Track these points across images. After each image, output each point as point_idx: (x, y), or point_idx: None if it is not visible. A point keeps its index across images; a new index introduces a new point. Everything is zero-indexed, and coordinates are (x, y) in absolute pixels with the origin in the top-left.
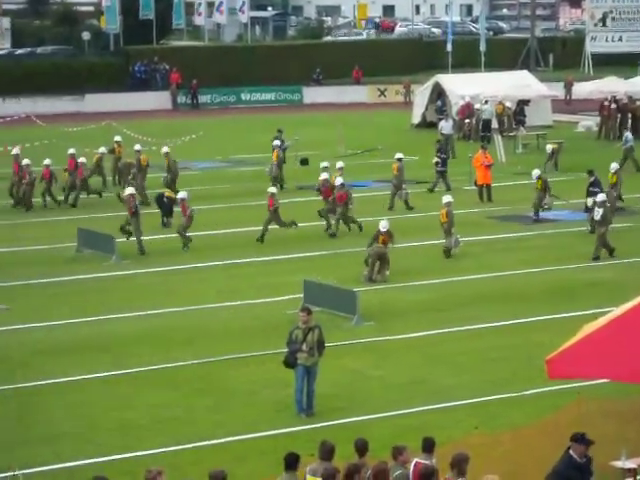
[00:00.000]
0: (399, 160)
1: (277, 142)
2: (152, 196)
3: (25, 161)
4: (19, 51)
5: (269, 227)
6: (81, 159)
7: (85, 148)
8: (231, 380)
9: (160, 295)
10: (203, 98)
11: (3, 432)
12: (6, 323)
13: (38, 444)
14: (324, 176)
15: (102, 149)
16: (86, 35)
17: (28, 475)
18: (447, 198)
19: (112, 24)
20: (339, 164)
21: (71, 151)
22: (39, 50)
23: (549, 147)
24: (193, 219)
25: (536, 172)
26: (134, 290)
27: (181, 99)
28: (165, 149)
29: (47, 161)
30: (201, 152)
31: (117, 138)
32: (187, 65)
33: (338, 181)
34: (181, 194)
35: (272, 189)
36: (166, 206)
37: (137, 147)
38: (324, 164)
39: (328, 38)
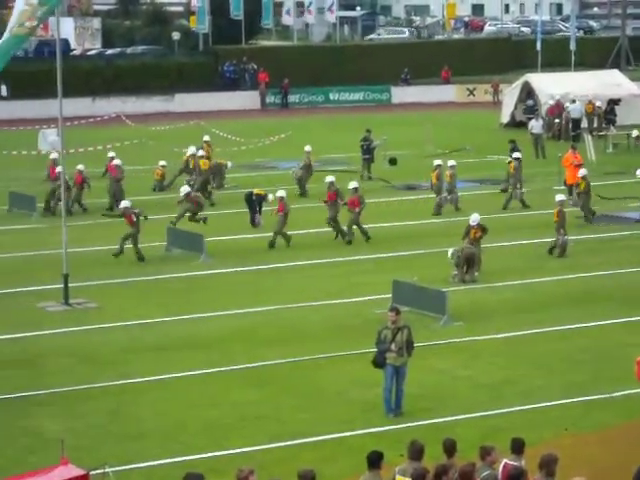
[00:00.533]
0: (517, 159)
1: (308, 147)
2: (225, 194)
3: (78, 166)
4: (109, 51)
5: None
6: (116, 161)
7: (174, 148)
8: (319, 379)
9: (248, 294)
10: (292, 98)
11: (94, 430)
12: (96, 321)
13: (127, 442)
14: (329, 179)
15: (192, 148)
16: (176, 35)
17: (118, 472)
18: (560, 197)
19: (202, 24)
20: (450, 162)
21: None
22: (129, 50)
23: None
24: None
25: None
26: (222, 289)
27: (270, 99)
28: (192, 150)
29: (80, 166)
30: (289, 152)
31: (206, 138)
32: (275, 65)
33: (352, 185)
34: (280, 192)
35: (281, 193)
36: (255, 204)
37: (200, 152)
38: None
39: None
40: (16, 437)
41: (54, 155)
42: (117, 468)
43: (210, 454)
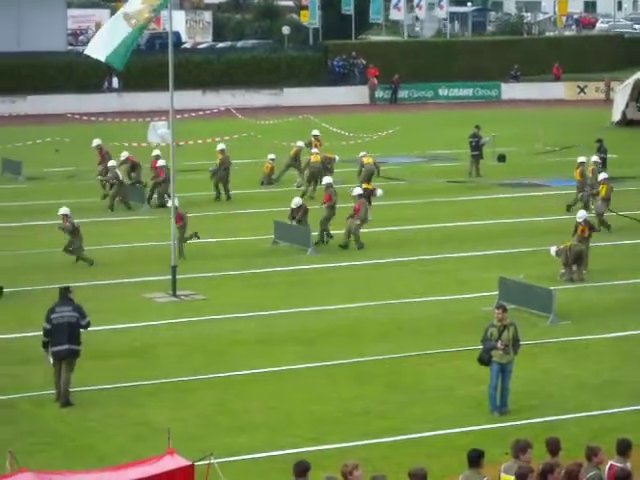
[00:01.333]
0: (594, 162)
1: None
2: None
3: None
4: (220, 45)
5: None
6: (161, 162)
7: (283, 142)
8: (425, 375)
9: (353, 289)
10: (401, 93)
11: (201, 420)
12: (203, 313)
13: (233, 433)
14: (327, 180)
15: (300, 143)
16: (286, 29)
17: (223, 464)
18: None
19: (312, 19)
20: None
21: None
22: (239, 44)
23: None
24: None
25: None
26: (329, 283)
27: (378, 94)
28: (221, 146)
29: (162, 162)
30: (398, 147)
31: (315, 132)
32: (385, 60)
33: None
34: (326, 179)
35: (328, 178)
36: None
37: (221, 145)
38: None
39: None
40: (124, 426)
41: (156, 152)
42: (223, 459)
43: (315, 448)
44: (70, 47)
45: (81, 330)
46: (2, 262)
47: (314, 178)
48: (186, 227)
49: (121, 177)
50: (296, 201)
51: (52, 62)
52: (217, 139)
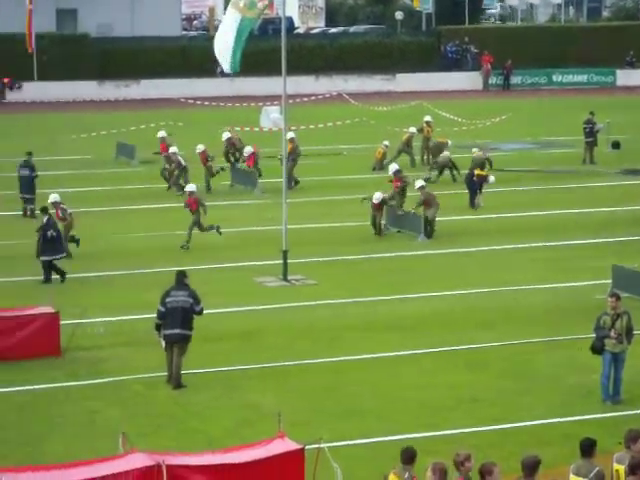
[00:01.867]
0: None
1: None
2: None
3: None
4: (332, 30)
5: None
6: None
7: (395, 127)
8: (536, 363)
9: (463, 276)
10: (514, 79)
11: (309, 405)
12: (313, 298)
13: (342, 418)
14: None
15: (412, 129)
16: (399, 15)
17: (333, 448)
18: None
19: (425, 4)
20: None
21: (161, 134)
22: (352, 29)
23: None
24: None
25: None
26: (438, 270)
27: (491, 80)
28: (290, 134)
29: (200, 147)
30: (510, 133)
31: (427, 118)
32: (498, 46)
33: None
34: (393, 166)
35: (394, 166)
36: (475, 186)
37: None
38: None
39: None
40: (234, 409)
41: (161, 133)
42: (332, 444)
43: (424, 434)
44: (184, 32)
45: (194, 315)
46: (125, 244)
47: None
48: (201, 214)
49: (184, 163)
50: (377, 196)
51: (166, 47)
52: (329, 124)
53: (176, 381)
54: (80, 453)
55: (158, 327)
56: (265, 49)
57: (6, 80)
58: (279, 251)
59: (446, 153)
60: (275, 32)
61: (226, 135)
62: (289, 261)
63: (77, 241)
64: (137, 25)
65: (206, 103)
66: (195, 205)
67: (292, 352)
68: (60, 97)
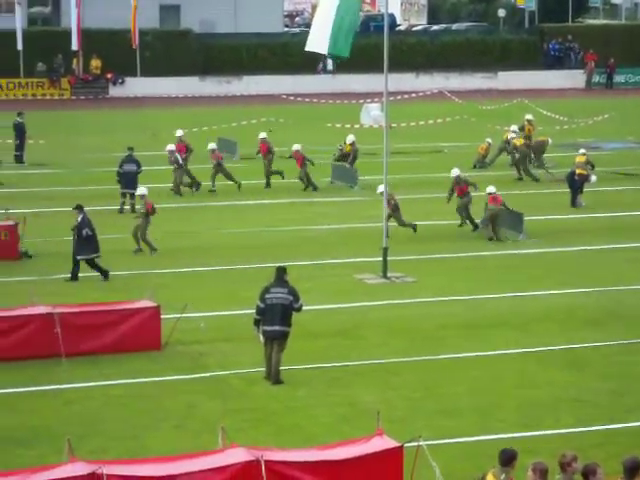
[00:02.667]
0: None
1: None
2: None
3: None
4: (434, 27)
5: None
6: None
7: (496, 125)
8: (639, 365)
9: (567, 274)
10: (617, 78)
11: (408, 402)
12: (413, 296)
13: (441, 416)
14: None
15: (513, 127)
16: (501, 12)
17: (431, 446)
18: None
19: (529, 1)
20: None
21: (262, 135)
22: (454, 26)
23: None
24: None
25: None
26: (540, 268)
27: (595, 78)
28: (351, 138)
29: (296, 146)
30: (612, 132)
31: (528, 116)
32: (601, 44)
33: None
34: (490, 188)
35: (456, 171)
36: (577, 185)
37: (351, 138)
38: None
39: None
40: (332, 406)
41: (262, 135)
42: (431, 442)
43: (524, 434)
44: (286, 28)
45: (293, 312)
46: (225, 239)
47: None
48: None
49: (181, 162)
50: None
51: (268, 43)
52: (430, 121)
53: (275, 377)
54: (179, 447)
55: (257, 323)
56: (366, 46)
57: (109, 75)
58: (379, 248)
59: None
60: (377, 29)
61: (350, 138)
62: (389, 258)
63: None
64: (240, 21)
65: (307, 100)
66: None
67: (391, 349)
68: (162, 93)
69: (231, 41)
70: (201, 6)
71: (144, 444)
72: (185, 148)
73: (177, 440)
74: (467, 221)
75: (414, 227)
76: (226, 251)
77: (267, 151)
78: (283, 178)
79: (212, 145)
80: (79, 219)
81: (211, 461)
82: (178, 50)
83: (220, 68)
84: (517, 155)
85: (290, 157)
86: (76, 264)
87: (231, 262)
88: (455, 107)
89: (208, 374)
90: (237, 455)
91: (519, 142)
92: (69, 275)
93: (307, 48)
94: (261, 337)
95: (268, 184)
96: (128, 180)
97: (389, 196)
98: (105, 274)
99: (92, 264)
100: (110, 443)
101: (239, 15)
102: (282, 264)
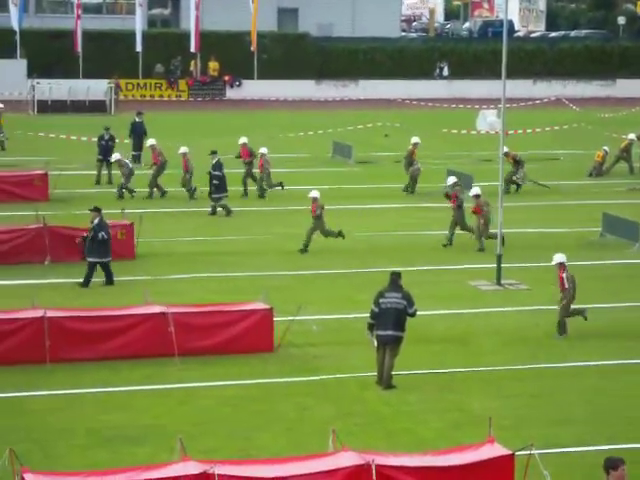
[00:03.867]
0: None
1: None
2: None
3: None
4: (552, 34)
5: None
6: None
7: (613, 133)
8: None
9: None
10: None
11: (519, 411)
12: (527, 303)
13: (552, 425)
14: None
15: (631, 135)
16: (621, 20)
17: (543, 455)
18: None
19: None
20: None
21: (243, 141)
22: (572, 33)
23: None
24: None
25: None
26: None
27: None
28: (415, 139)
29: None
30: None
31: None
32: None
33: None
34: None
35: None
36: None
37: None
38: None
39: None
40: (443, 411)
41: (243, 140)
42: (542, 451)
43: (636, 445)
44: (403, 33)
45: (407, 317)
46: (340, 242)
47: None
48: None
49: (131, 166)
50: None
51: (384, 48)
52: (547, 129)
53: (387, 382)
54: (289, 449)
55: (371, 327)
56: (483, 52)
57: (227, 78)
58: (493, 255)
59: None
60: (494, 35)
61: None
62: (504, 265)
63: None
64: (357, 25)
65: (422, 104)
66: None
67: (503, 357)
68: (278, 95)
69: (348, 45)
70: (319, 10)
71: (255, 445)
72: (249, 154)
73: (288, 442)
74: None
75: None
76: (343, 254)
77: (248, 156)
78: (283, 188)
79: (263, 149)
80: (95, 221)
81: (322, 464)
82: (295, 53)
83: (336, 72)
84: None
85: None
86: (91, 268)
87: (347, 265)
88: (572, 115)
89: (320, 377)
90: (348, 459)
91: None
92: (81, 280)
93: None
94: (374, 341)
95: (245, 192)
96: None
97: (484, 203)
98: (110, 280)
99: (104, 267)
100: (221, 443)
101: (357, 19)
102: (397, 269)
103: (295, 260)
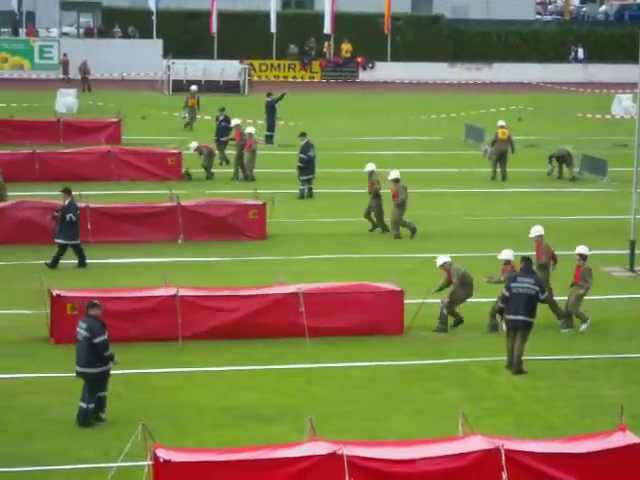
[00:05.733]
0: None
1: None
2: None
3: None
4: None
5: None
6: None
7: None
8: None
9: None
10: None
11: None
12: None
13: None
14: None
15: None
16: None
17: None
18: None
19: None
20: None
21: (236, 122)
22: None
23: None
24: None
25: None
26: None
27: None
28: (500, 122)
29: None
30: None
31: None
32: None
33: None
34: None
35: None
36: None
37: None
38: None
39: None
40: (574, 398)
41: (236, 121)
42: None
43: None
44: (538, 16)
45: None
46: (468, 225)
47: None
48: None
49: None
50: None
51: (519, 30)
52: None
53: (517, 367)
54: (419, 432)
55: (501, 311)
56: (619, 35)
57: (359, 59)
58: (626, 241)
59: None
60: (632, 18)
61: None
62: (638, 252)
63: None
64: (491, 8)
65: (557, 88)
66: None
67: (636, 344)
68: (411, 78)
69: (482, 28)
70: None
71: (385, 427)
72: (241, 136)
73: (417, 425)
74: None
75: None
76: (472, 238)
77: (240, 138)
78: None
79: (250, 129)
80: (66, 203)
81: (451, 447)
82: (429, 36)
83: (470, 54)
84: None
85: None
86: (60, 249)
87: (475, 249)
88: None
89: (450, 360)
90: (477, 443)
91: None
92: (50, 261)
93: None
94: (504, 326)
95: (236, 175)
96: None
97: (402, 188)
98: (83, 262)
99: (75, 249)
100: (351, 424)
101: (491, 1)
102: (527, 254)
103: (427, 243)
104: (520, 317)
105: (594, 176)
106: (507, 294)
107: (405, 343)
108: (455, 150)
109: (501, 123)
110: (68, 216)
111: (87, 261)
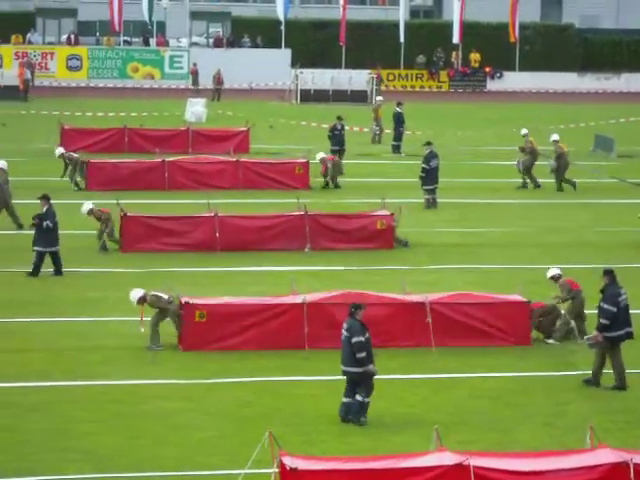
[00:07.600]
0: None
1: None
2: None
3: None
4: None
5: None
6: None
7: None
8: None
9: None
10: None
11: None
12: None
13: None
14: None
15: None
16: None
17: None
18: None
19: None
20: None
21: None
22: None
23: None
24: None
25: None
26: None
27: None
28: (554, 137)
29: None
30: None
31: None
32: None
33: None
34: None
35: None
36: None
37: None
38: None
39: None
40: None
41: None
42: None
43: None
44: None
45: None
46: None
47: None
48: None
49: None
50: None
51: None
52: None
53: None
54: (547, 444)
55: (605, 328)
56: None
57: (488, 69)
58: None
59: None
60: None
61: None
62: None
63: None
64: (622, 17)
65: None
66: None
67: None
68: (539, 87)
69: (612, 37)
70: (583, 1)
71: (512, 438)
72: None
73: (546, 437)
74: None
75: None
76: (603, 250)
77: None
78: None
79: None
80: (44, 210)
81: (579, 460)
82: (558, 45)
83: (599, 64)
84: None
85: None
86: (38, 257)
87: (605, 260)
88: None
89: (577, 372)
90: (606, 456)
91: None
92: (30, 269)
93: None
94: (586, 342)
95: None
96: (431, 175)
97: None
98: (59, 270)
99: (52, 256)
100: (477, 435)
101: (622, 11)
102: (609, 266)
103: (554, 254)
104: (629, 329)
105: None
106: (614, 310)
107: (532, 354)
108: (583, 160)
109: (556, 137)
110: (45, 223)
111: (208, 269)
